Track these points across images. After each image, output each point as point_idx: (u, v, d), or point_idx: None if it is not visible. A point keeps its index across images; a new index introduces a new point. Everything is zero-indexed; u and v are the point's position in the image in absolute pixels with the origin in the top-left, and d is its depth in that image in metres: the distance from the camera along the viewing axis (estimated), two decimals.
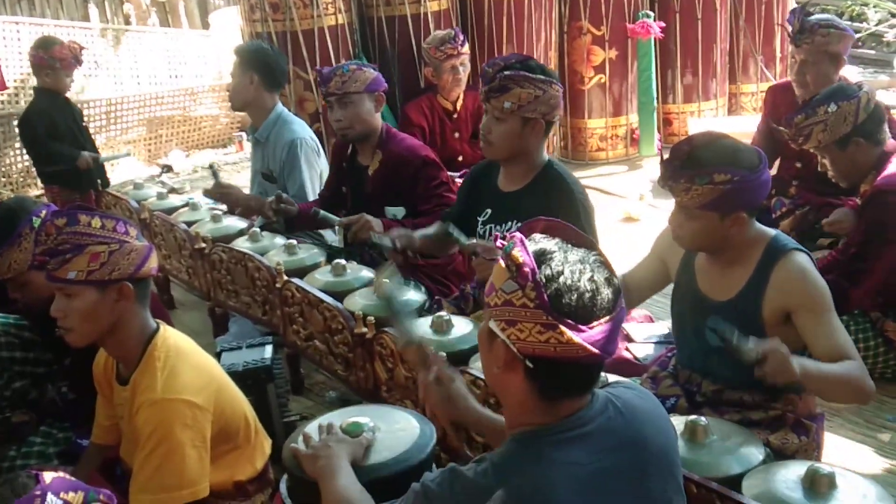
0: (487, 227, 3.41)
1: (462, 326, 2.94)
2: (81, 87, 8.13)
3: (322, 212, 3.83)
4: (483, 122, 3.25)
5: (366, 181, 4.06)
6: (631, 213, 5.78)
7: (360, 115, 3.96)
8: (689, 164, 2.49)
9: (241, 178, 6.93)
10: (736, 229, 2.54)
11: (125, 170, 8.11)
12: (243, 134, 8.60)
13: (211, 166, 4.73)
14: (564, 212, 2.96)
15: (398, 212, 3.97)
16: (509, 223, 3.32)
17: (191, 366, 2.40)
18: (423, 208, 3.91)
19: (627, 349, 3.52)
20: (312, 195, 4.38)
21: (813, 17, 4.24)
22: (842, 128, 3.39)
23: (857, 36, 9.59)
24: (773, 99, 4.69)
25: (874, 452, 3.22)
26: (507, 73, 3.13)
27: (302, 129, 4.52)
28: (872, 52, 9.62)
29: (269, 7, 5.55)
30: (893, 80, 8.64)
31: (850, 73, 8.94)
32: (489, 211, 3.42)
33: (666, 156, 2.59)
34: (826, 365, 2.40)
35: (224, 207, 4.53)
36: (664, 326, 3.64)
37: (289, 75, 5.13)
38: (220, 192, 4.38)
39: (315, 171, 4.48)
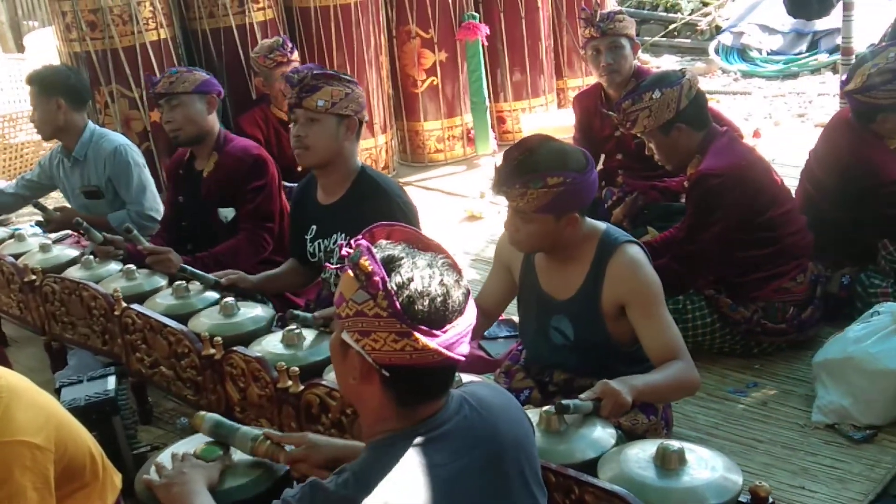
0: (315, 243, 3.42)
1: (313, 339, 2.90)
2: None
3: (135, 230, 3.73)
4: (295, 129, 3.24)
5: (200, 185, 4.01)
6: (473, 212, 5.86)
7: (190, 116, 3.91)
8: (521, 169, 2.54)
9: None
10: (570, 229, 2.62)
11: None
12: None
13: (36, 204, 4.51)
14: (385, 215, 2.98)
15: (229, 213, 3.96)
16: (334, 236, 3.33)
17: (26, 405, 2.27)
18: (241, 213, 3.92)
19: (480, 346, 3.57)
20: (150, 192, 4.41)
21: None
22: (665, 114, 3.54)
23: (673, 26, 10.06)
24: (580, 106, 4.92)
25: (720, 425, 3.37)
26: (315, 73, 3.19)
27: (119, 137, 4.52)
28: (688, 40, 10.05)
29: (87, 26, 5.34)
30: (709, 67, 9.07)
31: (668, 61, 9.39)
32: (314, 227, 3.43)
33: (498, 162, 2.63)
34: (655, 377, 2.52)
35: (56, 235, 4.36)
36: (514, 321, 3.71)
37: (113, 94, 4.98)
38: (59, 220, 4.31)
39: (146, 170, 4.48)
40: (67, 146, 4.50)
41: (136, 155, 4.46)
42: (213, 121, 4.01)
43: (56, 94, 4.35)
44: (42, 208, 4.39)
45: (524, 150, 2.58)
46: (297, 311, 3.06)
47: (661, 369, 2.53)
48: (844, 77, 4.05)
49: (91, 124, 4.51)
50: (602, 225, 2.73)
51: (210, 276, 3.48)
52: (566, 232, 2.62)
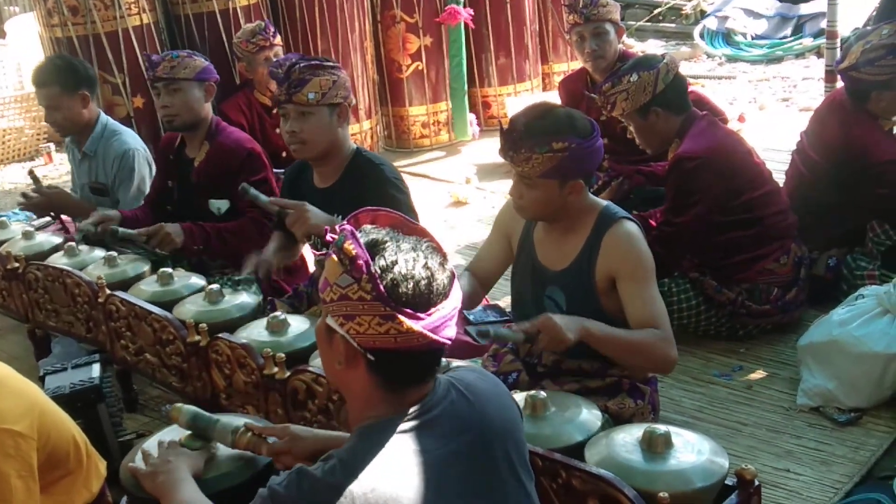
0: None
1: (299, 325, 2.90)
2: None
3: (120, 230, 3.70)
4: (288, 126, 3.20)
5: (191, 173, 3.98)
6: (459, 197, 5.85)
7: (188, 103, 3.87)
8: (528, 134, 2.55)
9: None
10: (574, 196, 2.63)
11: None
12: (51, 145, 8.18)
13: (31, 172, 4.45)
14: (379, 195, 2.99)
15: (222, 205, 3.92)
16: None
17: (8, 393, 2.26)
18: (239, 207, 3.88)
19: (466, 331, 3.57)
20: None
21: None
22: (641, 97, 3.57)
23: (658, 10, 10.05)
24: (565, 90, 4.95)
25: (705, 408, 3.38)
26: (300, 66, 3.15)
27: (133, 140, 4.38)
28: (673, 25, 10.06)
29: (68, 10, 5.29)
30: (694, 51, 9.08)
31: (654, 46, 9.38)
32: None
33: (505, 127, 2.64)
34: (621, 330, 2.53)
35: (39, 222, 4.32)
36: (500, 306, 3.71)
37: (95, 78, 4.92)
38: (46, 198, 4.20)
39: (148, 179, 4.35)
40: (80, 139, 4.38)
41: (143, 164, 4.33)
42: (208, 108, 3.98)
43: (80, 87, 4.22)
44: (35, 179, 4.30)
45: (531, 115, 2.60)
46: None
47: (632, 330, 2.55)
48: (839, 57, 4.06)
49: (103, 117, 4.37)
50: (603, 201, 2.77)
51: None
52: (570, 199, 2.63)
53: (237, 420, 2.20)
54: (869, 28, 3.84)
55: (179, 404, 2.21)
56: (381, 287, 1.58)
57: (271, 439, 2.10)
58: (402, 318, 1.58)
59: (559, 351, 2.41)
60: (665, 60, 3.61)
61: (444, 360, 1.80)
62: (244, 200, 3.83)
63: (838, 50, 5.60)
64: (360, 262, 1.58)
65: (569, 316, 2.40)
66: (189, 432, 2.16)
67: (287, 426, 2.12)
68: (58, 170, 7.65)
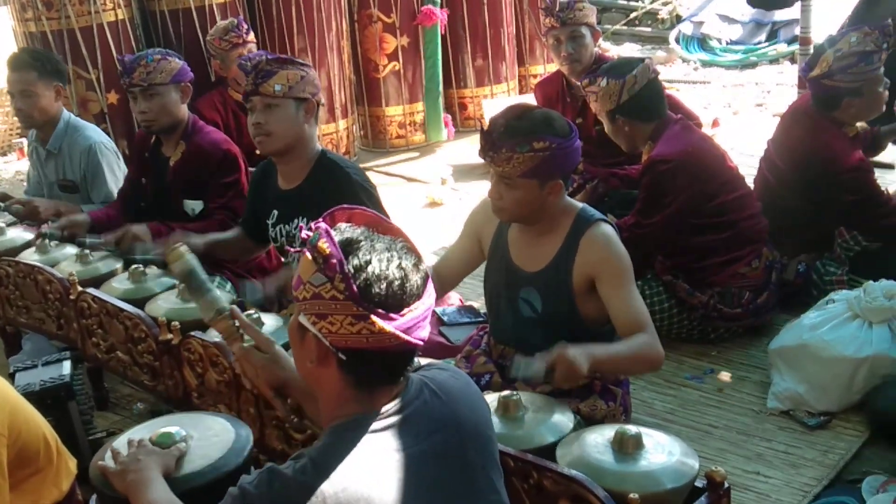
0: (277, 228, 3.40)
1: (272, 323, 2.88)
2: None
3: (88, 240, 3.67)
4: (254, 117, 3.21)
5: (166, 172, 3.94)
6: (434, 198, 5.85)
7: (167, 107, 3.83)
8: (508, 134, 2.56)
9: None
10: (553, 197, 2.64)
11: None
12: (23, 141, 8.10)
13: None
14: (347, 199, 2.97)
15: (196, 205, 3.89)
16: (296, 220, 3.31)
17: None
18: (210, 207, 3.85)
19: (440, 332, 3.57)
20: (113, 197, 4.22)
21: None
22: (607, 104, 3.65)
23: (634, 14, 10.09)
24: (542, 93, 4.97)
25: (677, 411, 3.40)
26: (268, 58, 3.20)
27: (96, 134, 4.33)
28: (649, 29, 10.10)
29: (43, 5, 5.24)
30: (669, 56, 9.13)
31: (630, 50, 9.43)
32: (275, 212, 3.41)
33: (485, 127, 2.64)
34: (617, 347, 2.56)
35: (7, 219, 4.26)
36: (475, 307, 3.72)
37: (69, 75, 4.87)
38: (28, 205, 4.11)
39: (118, 175, 4.30)
40: (43, 136, 4.31)
41: (109, 156, 4.27)
42: (185, 108, 3.94)
43: (55, 78, 4.17)
44: (3, 197, 4.25)
45: (511, 115, 2.60)
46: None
47: (624, 341, 2.56)
48: (803, 66, 4.10)
49: (65, 113, 4.30)
50: (579, 203, 2.78)
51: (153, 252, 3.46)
52: (549, 200, 2.64)
53: (227, 298, 2.12)
54: (836, 36, 3.88)
55: (183, 248, 2.11)
56: (354, 287, 1.58)
57: (248, 343, 2.08)
58: (374, 318, 1.58)
59: (572, 385, 2.42)
60: (635, 71, 3.63)
61: (416, 359, 1.80)
62: (215, 200, 3.83)
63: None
64: (334, 260, 1.58)
65: (575, 346, 2.39)
66: (160, 431, 2.14)
67: (273, 343, 2.12)
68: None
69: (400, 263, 1.63)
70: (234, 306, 2.17)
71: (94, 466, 2.12)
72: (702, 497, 2.04)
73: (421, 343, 1.66)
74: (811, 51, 5.33)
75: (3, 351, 3.94)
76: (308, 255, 1.62)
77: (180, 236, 3.38)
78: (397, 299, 1.61)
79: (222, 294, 2.13)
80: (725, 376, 3.59)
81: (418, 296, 1.64)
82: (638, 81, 3.61)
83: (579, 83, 3.91)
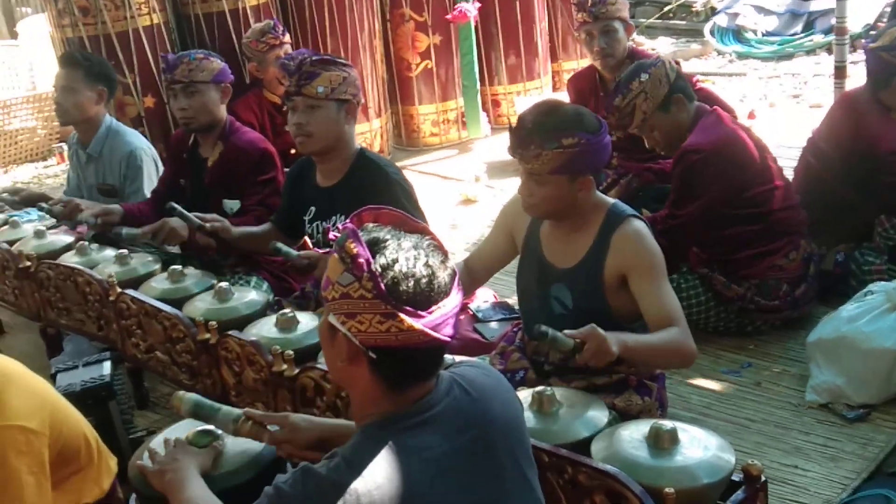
0: (314, 224, 3.43)
1: (308, 322, 2.91)
2: None
3: (124, 230, 3.70)
4: (295, 118, 3.23)
5: (205, 173, 3.99)
6: (469, 196, 5.86)
7: (206, 106, 3.87)
8: (537, 131, 2.56)
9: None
10: (583, 193, 2.64)
11: None
12: (63, 145, 8.22)
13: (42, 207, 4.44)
14: (385, 196, 3.00)
15: (234, 204, 3.93)
16: (334, 218, 3.33)
17: (20, 390, 2.28)
18: (245, 205, 3.88)
19: (475, 329, 3.58)
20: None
21: None
22: (660, 90, 3.57)
23: (667, 7, 10.01)
24: (574, 88, 4.94)
25: (713, 405, 3.38)
26: (311, 59, 3.21)
27: (137, 139, 4.40)
28: (683, 22, 10.02)
29: (79, 11, 5.32)
30: (705, 49, 9.05)
31: (663, 43, 9.36)
32: (313, 209, 3.43)
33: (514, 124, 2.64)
34: (648, 337, 2.53)
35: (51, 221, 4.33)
36: (509, 303, 3.72)
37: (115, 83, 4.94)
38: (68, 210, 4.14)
39: (156, 181, 4.34)
40: (84, 139, 4.40)
41: (149, 163, 4.35)
42: (223, 109, 3.99)
43: (102, 81, 4.26)
44: (45, 198, 4.32)
45: (539, 112, 2.60)
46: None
47: (656, 334, 2.54)
48: (869, 38, 4.05)
49: (108, 118, 4.39)
50: (611, 199, 2.77)
51: (195, 218, 3.50)
52: (579, 196, 2.63)
53: (238, 410, 2.19)
54: None
55: (181, 392, 2.19)
56: (382, 285, 1.59)
57: (273, 428, 2.10)
58: (403, 316, 1.59)
59: (600, 365, 2.39)
60: (659, 59, 3.66)
61: (449, 356, 1.80)
62: (252, 198, 3.85)
63: (847, 46, 5.59)
64: (361, 260, 1.59)
65: (609, 331, 2.38)
66: (196, 430, 2.17)
67: (287, 415, 2.11)
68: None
69: (427, 261, 1.63)
70: (248, 409, 2.19)
71: (132, 466, 2.16)
72: (738, 491, 2.04)
73: (449, 340, 1.67)
74: (846, 41, 5.29)
75: (44, 352, 4.00)
76: (336, 255, 1.63)
77: (218, 225, 3.48)
78: (425, 297, 1.61)
79: (229, 408, 2.19)
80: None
81: (446, 293, 1.64)
82: (670, 62, 3.62)
83: (606, 111, 3.84)
